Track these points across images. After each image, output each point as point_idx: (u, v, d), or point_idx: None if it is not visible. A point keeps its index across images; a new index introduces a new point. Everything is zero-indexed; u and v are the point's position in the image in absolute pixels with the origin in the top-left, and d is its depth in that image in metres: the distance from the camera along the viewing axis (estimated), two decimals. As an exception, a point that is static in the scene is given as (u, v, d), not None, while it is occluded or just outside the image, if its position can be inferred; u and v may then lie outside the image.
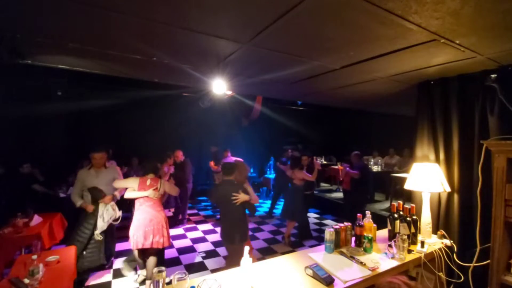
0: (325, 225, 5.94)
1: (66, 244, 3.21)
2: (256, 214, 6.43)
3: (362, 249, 2.16)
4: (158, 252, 3.19)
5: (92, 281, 3.31)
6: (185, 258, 4.09)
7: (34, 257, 2.12)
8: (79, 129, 6.60)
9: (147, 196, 3.05)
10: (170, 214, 5.75)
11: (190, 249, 4.41)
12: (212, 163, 6.31)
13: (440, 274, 2.18)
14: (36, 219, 3.38)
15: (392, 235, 2.31)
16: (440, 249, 2.23)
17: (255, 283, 1.66)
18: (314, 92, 3.92)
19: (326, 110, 8.26)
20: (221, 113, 8.22)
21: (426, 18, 1.52)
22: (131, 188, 3.09)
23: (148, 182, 3.12)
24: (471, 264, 2.17)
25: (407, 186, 2.51)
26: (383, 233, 2.50)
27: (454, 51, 1.99)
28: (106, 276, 3.43)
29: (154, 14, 1.60)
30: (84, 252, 3.13)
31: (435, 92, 2.72)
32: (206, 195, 7.67)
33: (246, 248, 1.72)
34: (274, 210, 6.61)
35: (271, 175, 8.01)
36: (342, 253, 2.11)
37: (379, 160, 7.53)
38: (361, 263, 1.94)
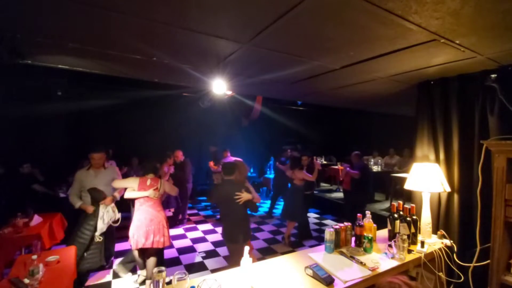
0: (325, 225, 5.94)
1: (66, 244, 3.20)
2: (256, 214, 6.44)
3: (362, 249, 2.16)
4: (158, 252, 3.19)
5: (92, 281, 3.31)
6: (185, 258, 4.09)
7: (34, 257, 2.12)
8: (79, 129, 6.59)
9: (147, 196, 3.05)
10: (170, 214, 5.74)
11: (190, 249, 4.42)
12: (211, 163, 6.31)
13: (440, 274, 2.18)
14: (36, 219, 3.37)
15: (392, 235, 2.31)
16: (440, 249, 2.23)
17: (255, 283, 1.66)
18: (314, 92, 3.92)
19: (326, 110, 8.26)
20: (221, 113, 8.22)
21: (426, 18, 1.52)
22: (131, 188, 3.08)
23: (148, 182, 3.13)
24: (471, 264, 2.17)
25: (407, 186, 2.51)
26: (383, 233, 2.50)
27: (454, 51, 1.99)
28: (106, 276, 3.44)
29: (154, 14, 1.60)
30: (85, 254, 3.13)
31: (435, 92, 2.72)
32: (206, 195, 7.67)
33: (246, 248, 1.72)
34: (274, 210, 6.62)
35: (271, 175, 8.01)
36: (342, 253, 2.11)
37: (379, 160, 7.54)
38: (361, 263, 1.94)
